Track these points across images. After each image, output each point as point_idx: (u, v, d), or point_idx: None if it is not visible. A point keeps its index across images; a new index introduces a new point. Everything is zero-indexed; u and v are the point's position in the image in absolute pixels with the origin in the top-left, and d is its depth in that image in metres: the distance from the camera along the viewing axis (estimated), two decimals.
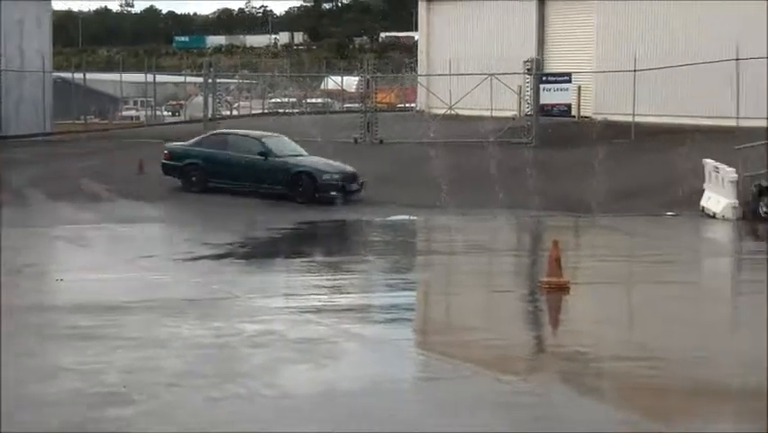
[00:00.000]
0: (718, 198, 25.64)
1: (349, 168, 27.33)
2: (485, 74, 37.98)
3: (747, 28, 34.21)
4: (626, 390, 9.73)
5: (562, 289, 14.36)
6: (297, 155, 27.70)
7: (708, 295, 15.73)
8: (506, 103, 39.29)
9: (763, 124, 31.82)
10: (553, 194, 25.94)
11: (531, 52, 40.69)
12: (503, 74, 37.60)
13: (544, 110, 37.35)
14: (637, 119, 34.80)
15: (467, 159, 31.07)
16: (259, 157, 27.00)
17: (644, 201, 26.99)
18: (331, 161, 27.49)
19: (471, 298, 14.82)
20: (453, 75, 40.42)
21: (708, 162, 26.55)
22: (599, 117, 38.92)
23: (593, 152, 30.31)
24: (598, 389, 9.70)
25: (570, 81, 38.95)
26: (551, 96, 38.16)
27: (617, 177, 28.13)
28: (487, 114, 38.75)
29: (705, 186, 26.39)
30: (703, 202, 26.14)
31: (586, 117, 39.37)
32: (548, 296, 14.23)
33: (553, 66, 41.63)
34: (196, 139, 28.80)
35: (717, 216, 25.30)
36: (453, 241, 21.78)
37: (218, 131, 30.27)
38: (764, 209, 24.73)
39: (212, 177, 27.30)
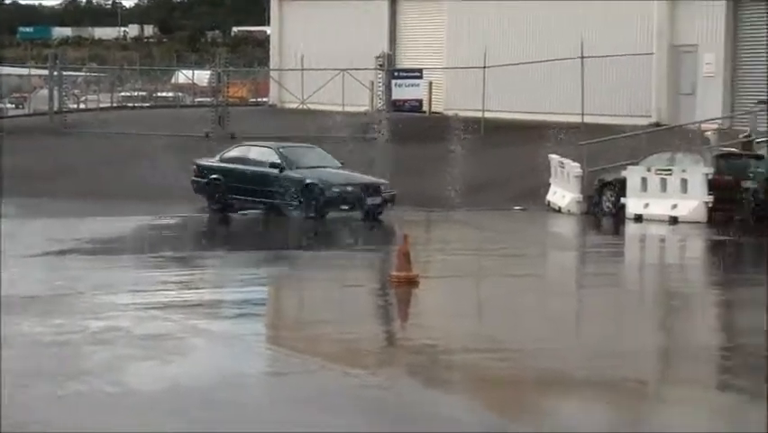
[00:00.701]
0: (564, 193, 26.18)
1: (370, 178, 24.76)
2: (337, 69, 38.01)
3: (592, 27, 35.02)
4: (473, 381, 9.82)
5: (412, 283, 14.43)
6: (320, 167, 24.81)
7: (554, 288, 16.02)
8: (358, 98, 39.37)
9: (606, 120, 32.62)
10: (405, 189, 26.11)
11: (383, 48, 40.88)
12: (355, 69, 37.69)
13: (396, 106, 37.58)
14: (487, 115, 35.30)
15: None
16: (272, 170, 24.45)
17: (493, 195, 27.39)
18: (355, 174, 24.88)
19: (321, 292, 14.78)
20: (306, 70, 40.34)
21: (554, 158, 27.09)
22: (450, 113, 39.37)
23: (444, 147, 30.64)
24: (446, 381, 9.76)
25: (421, 77, 39.29)
26: (402, 91, 38.45)
27: (467, 172, 28.48)
28: (339, 109, 38.78)
29: (551, 180, 26.92)
30: (549, 196, 26.66)
31: (437, 113, 39.75)
32: (398, 290, 14.30)
33: (404, 62, 41.91)
34: (225, 151, 26.51)
35: (562, 211, 25.84)
36: (307, 237, 21.73)
37: (245, 143, 27.45)
38: (607, 204, 25.34)
39: (231, 193, 25.08)
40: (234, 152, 26.09)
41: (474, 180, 28.21)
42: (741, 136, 27.49)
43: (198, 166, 25.97)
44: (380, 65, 38.10)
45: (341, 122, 35.64)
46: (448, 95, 40.21)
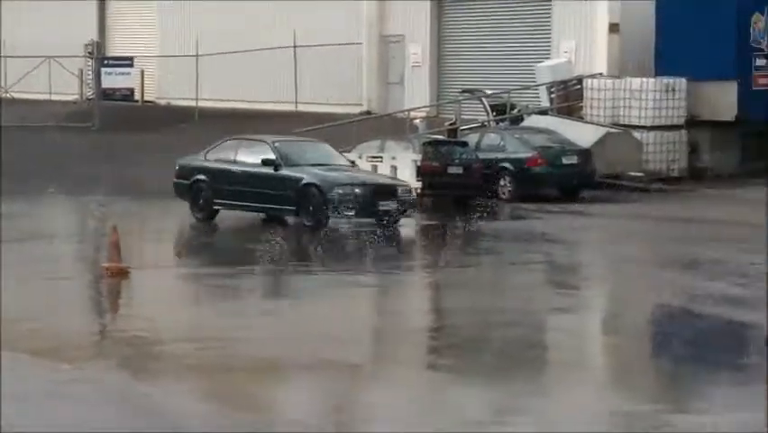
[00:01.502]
0: None
1: (384, 179, 21.18)
2: (43, 56, 36.74)
3: (304, 16, 35.40)
4: (184, 371, 9.76)
5: (123, 273, 14.17)
6: (323, 165, 20.70)
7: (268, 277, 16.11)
8: (65, 86, 38.21)
9: (319, 109, 33.05)
10: (118, 179, 25.55)
11: (92, 36, 39.86)
12: (62, 57, 36.55)
13: (107, 94, 36.72)
14: (201, 104, 35.02)
15: (24, 144, 29.89)
16: (265, 168, 20.27)
17: None
18: (365, 174, 21.35)
19: (28, 286, 14.27)
20: (8, 57, 38.79)
21: None
22: (163, 102, 38.82)
23: (157, 136, 30.19)
24: (156, 371, 9.65)
25: (132, 65, 38.56)
26: (113, 80, 37.62)
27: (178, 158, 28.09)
28: (45, 97, 37.53)
29: None
30: None
31: (150, 102, 39.10)
32: (109, 281, 14.01)
33: (115, 50, 41.01)
34: (211, 147, 22.14)
35: None
36: (11, 228, 20.88)
37: (235, 136, 23.13)
38: None
39: (217, 197, 20.75)
40: (222, 147, 21.95)
41: None
42: (447, 124, 28.45)
43: (180, 166, 21.99)
44: (89, 53, 37.13)
45: (47, 111, 34.49)
46: (160, 83, 39.63)
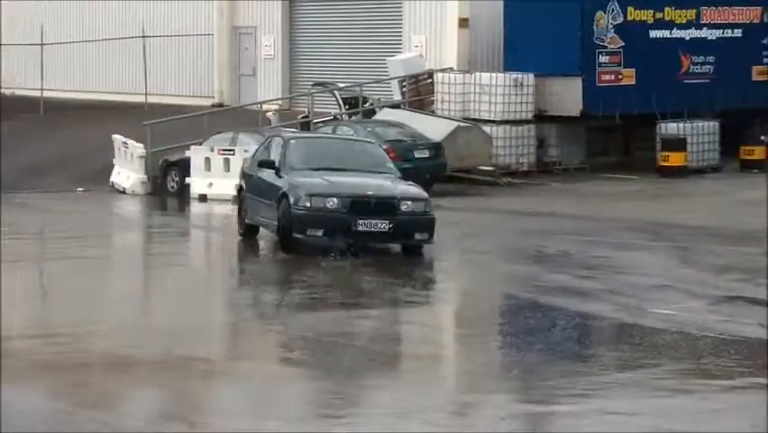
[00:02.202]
0: (128, 174, 25.94)
1: (386, 191, 15.82)
2: None
3: (155, 6, 34.94)
4: (33, 369, 9.55)
5: None
6: (344, 170, 16.39)
7: (117, 269, 15.87)
8: None
9: (170, 100, 32.67)
10: None
11: None
12: None
13: None
14: (47, 94, 34.19)
15: None
16: (267, 172, 16.48)
17: (55, 177, 26.65)
18: (388, 184, 16.11)
19: None
20: None
21: (117, 138, 26.76)
22: (7, 92, 37.79)
23: (2, 127, 29.38)
24: (4, 369, 9.41)
25: None
26: None
27: (27, 153, 27.52)
28: None
29: (115, 161, 26.59)
30: (113, 177, 26.31)
31: None
32: None
33: None
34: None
35: (127, 191, 25.59)
36: None
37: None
38: (172, 184, 25.40)
39: (247, 207, 17.24)
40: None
41: (35, 162, 27.30)
42: (300, 117, 28.46)
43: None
44: None
45: None
46: (4, 72, 38.56)
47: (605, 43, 26.61)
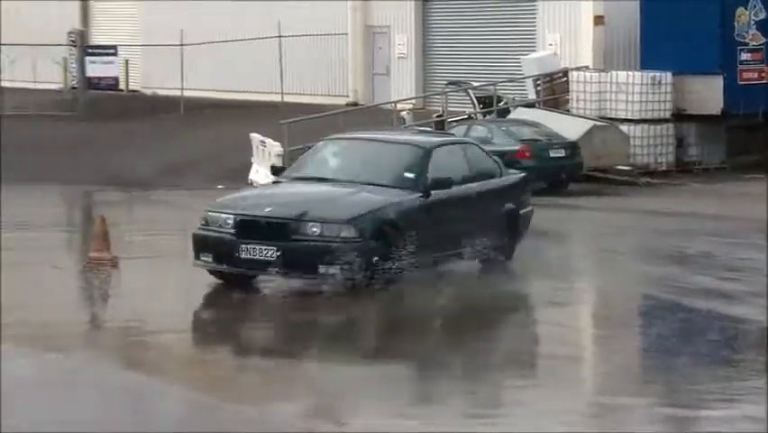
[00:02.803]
0: (266, 171, 26.27)
1: (294, 208, 12.65)
2: (27, 44, 36.53)
3: (289, 5, 35.30)
4: (174, 362, 9.73)
5: (110, 264, 14.09)
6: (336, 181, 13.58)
7: None
8: (49, 75, 38.02)
9: (305, 99, 32.98)
10: (104, 169, 25.46)
11: (75, 24, 39.68)
12: (46, 45, 36.35)
13: (91, 83, 36.54)
14: (187, 93, 34.88)
15: (10, 132, 29.74)
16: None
17: (196, 175, 27.13)
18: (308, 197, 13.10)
19: (17, 276, 14.17)
20: None
21: (255, 136, 27.13)
22: (148, 91, 38.68)
23: (143, 125, 30.09)
24: (144, 362, 9.61)
25: (116, 54, 38.35)
26: (97, 68, 37.42)
27: (168, 151, 28.07)
28: (30, 86, 37.32)
29: (253, 159, 26.96)
30: (251, 175, 26.68)
31: (134, 91, 38.95)
32: (96, 272, 13.93)
33: (99, 38, 40.81)
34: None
35: None
36: None
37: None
38: None
39: None
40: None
41: (176, 159, 27.85)
42: (434, 116, 28.45)
43: None
44: (72, 41, 36.94)
45: (32, 99, 34.29)
46: (145, 73, 39.49)
47: (746, 40, 25.97)
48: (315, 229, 12.25)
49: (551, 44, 29.49)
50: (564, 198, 22.62)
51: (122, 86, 38.44)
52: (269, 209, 12.58)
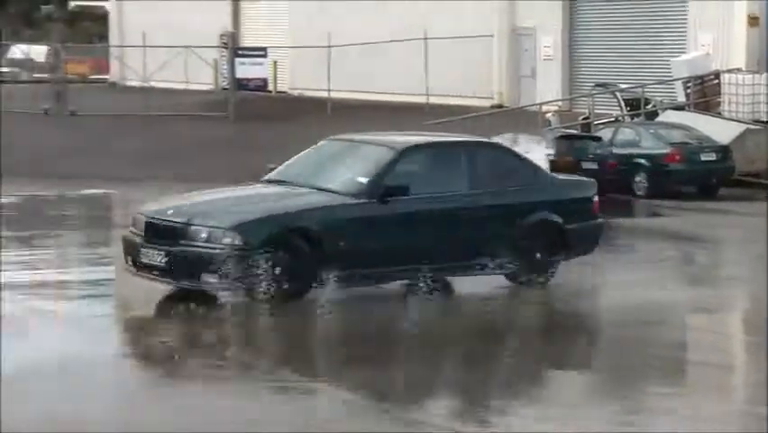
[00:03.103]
0: None
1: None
2: (180, 46, 37.47)
3: (435, 7, 35.41)
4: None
5: None
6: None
7: None
8: (202, 76, 38.94)
9: (449, 101, 33.04)
10: (254, 167, 25.90)
11: (226, 25, 40.53)
12: (198, 47, 37.22)
13: (240, 84, 37.29)
14: (333, 95, 35.31)
15: (164, 132, 30.58)
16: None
17: None
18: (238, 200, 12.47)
19: None
20: (147, 47, 39.62)
21: None
22: (296, 93, 39.28)
23: (290, 126, 30.52)
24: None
25: (265, 56, 39.05)
26: (246, 70, 38.16)
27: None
28: (183, 87, 38.29)
29: None
30: None
31: (282, 92, 39.60)
32: None
33: (248, 40, 41.61)
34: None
35: None
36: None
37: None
38: None
39: None
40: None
41: None
42: (581, 118, 28.21)
43: None
44: (224, 43, 37.75)
45: (184, 100, 35.16)
46: (293, 74, 40.09)
47: None
48: (202, 235, 11.47)
49: (703, 45, 28.93)
50: (714, 202, 22.19)
51: (270, 87, 39.15)
52: (170, 212, 11.89)
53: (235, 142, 28.86)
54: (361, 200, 12.00)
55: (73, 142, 29.42)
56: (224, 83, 37.29)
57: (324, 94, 35.42)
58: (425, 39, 34.45)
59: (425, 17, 34.95)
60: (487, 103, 33.42)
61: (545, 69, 33.63)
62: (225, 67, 37.43)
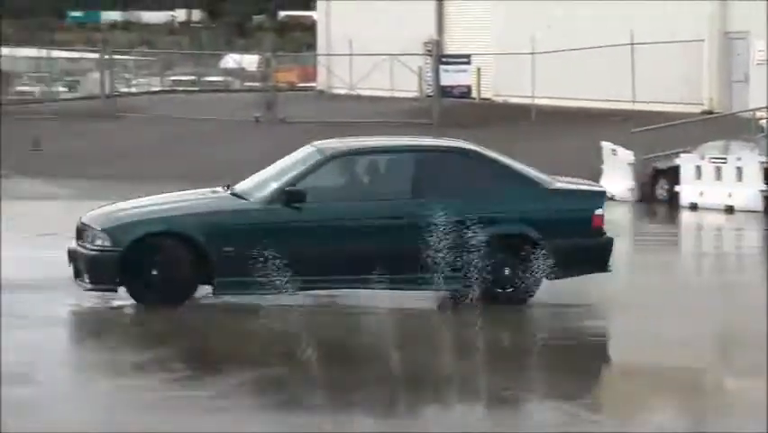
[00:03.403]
0: (616, 180, 26.07)
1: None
2: (385, 54, 37.99)
3: (642, 13, 34.78)
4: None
5: None
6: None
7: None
8: (406, 84, 39.34)
9: (657, 107, 32.40)
10: None
11: (431, 33, 40.83)
12: (403, 54, 37.66)
13: (445, 91, 37.52)
14: (538, 101, 35.13)
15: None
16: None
17: None
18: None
19: None
20: (354, 55, 40.32)
21: (607, 145, 26.97)
22: (500, 99, 39.23)
23: (494, 133, 30.48)
24: None
25: (469, 63, 39.18)
26: (451, 77, 38.37)
27: (518, 158, 28.25)
28: (387, 94, 38.79)
29: (603, 167, 26.80)
30: (602, 183, 26.53)
31: (486, 99, 39.63)
32: None
33: (451, 47, 41.80)
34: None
35: (615, 198, 25.71)
36: None
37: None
38: (661, 192, 25.24)
39: None
40: None
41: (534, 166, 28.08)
42: None
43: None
44: (429, 51, 38.06)
45: (389, 107, 35.61)
46: (496, 81, 40.06)
47: None
48: (88, 236, 11.77)
49: None
50: None
51: (473, 94, 39.24)
52: (90, 214, 12.17)
53: None
54: (264, 206, 11.79)
55: (281, 148, 30.10)
56: (429, 90, 37.57)
57: (528, 100, 35.26)
58: (632, 44, 33.88)
59: (632, 22, 34.36)
60: (696, 109, 32.62)
61: (759, 73, 32.56)
62: (430, 74, 37.71)
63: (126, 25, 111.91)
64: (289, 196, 11.70)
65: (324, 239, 11.65)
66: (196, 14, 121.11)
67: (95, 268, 11.52)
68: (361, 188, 12.12)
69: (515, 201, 12.04)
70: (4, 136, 32.95)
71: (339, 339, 10.54)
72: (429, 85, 37.83)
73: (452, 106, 36.13)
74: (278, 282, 10.78)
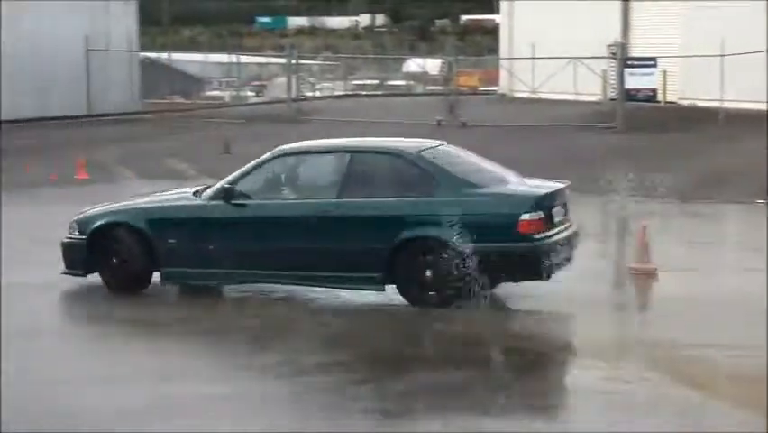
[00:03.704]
0: None
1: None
2: (568, 57, 37.69)
3: None
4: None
5: (651, 274, 14.23)
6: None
7: None
8: (589, 87, 38.93)
9: None
10: (641, 179, 25.62)
11: (615, 36, 40.29)
12: (587, 58, 37.28)
13: (629, 95, 36.98)
14: (726, 105, 34.24)
15: (552, 142, 30.88)
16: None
17: (734, 188, 26.59)
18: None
19: None
20: (536, 59, 40.12)
21: None
22: (686, 102, 38.42)
23: (680, 137, 29.94)
24: (690, 376, 9.64)
25: (655, 66, 38.51)
26: (635, 80, 37.79)
27: (704, 163, 27.73)
28: (570, 98, 38.46)
29: None
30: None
31: (672, 102, 38.88)
32: (636, 282, 14.13)
33: (637, 50, 41.16)
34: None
35: None
36: None
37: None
38: None
39: None
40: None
41: (713, 172, 27.46)
42: None
43: None
44: (613, 53, 37.55)
45: (571, 111, 35.30)
46: (682, 83, 39.25)
47: None
48: (69, 227, 13.69)
49: None
50: None
51: (659, 97, 38.55)
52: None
53: (622, 153, 28.63)
54: (206, 202, 12.91)
55: None
56: (613, 93, 37.09)
57: (716, 104, 34.43)
58: None
59: None
60: None
61: None
62: (614, 77, 37.22)
63: (312, 31, 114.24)
64: (227, 193, 12.79)
65: (258, 235, 12.50)
66: (380, 19, 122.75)
67: (67, 254, 13.44)
68: (295, 187, 12.84)
69: (434, 205, 12.01)
70: (196, 140, 34.11)
71: (521, 344, 10.64)
72: (613, 88, 37.32)
73: (637, 110, 35.57)
74: (219, 274, 12.50)
